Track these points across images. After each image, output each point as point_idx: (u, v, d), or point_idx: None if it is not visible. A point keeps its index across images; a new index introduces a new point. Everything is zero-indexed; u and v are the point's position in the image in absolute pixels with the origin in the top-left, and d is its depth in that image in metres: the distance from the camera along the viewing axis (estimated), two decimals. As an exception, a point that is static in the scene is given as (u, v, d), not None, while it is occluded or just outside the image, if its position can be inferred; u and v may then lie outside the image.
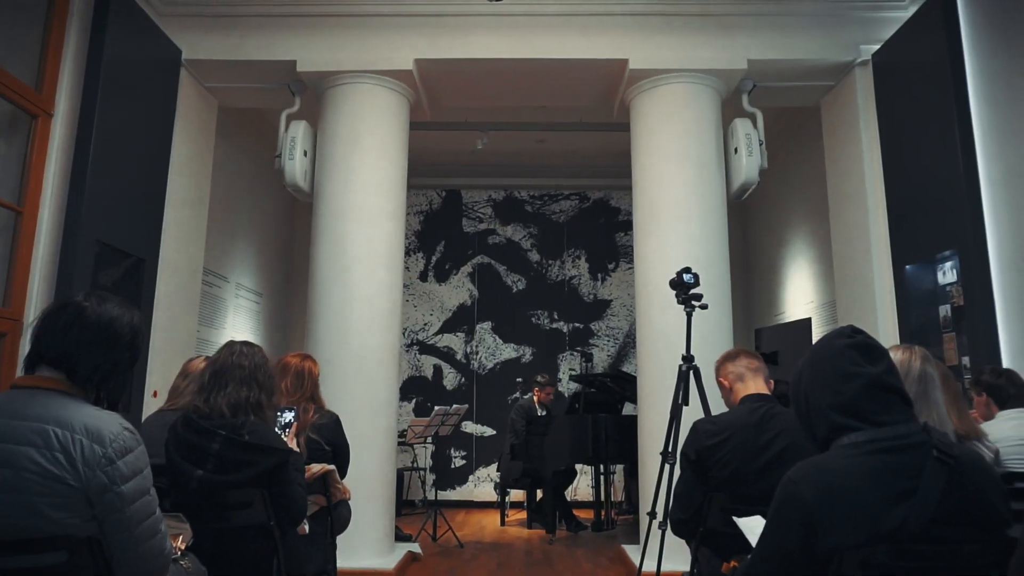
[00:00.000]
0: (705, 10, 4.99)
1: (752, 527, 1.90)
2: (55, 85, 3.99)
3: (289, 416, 2.61)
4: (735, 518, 1.85)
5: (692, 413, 3.12)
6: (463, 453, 7.96)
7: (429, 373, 8.15)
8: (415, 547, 5.16)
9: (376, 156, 5.00)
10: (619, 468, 7.25)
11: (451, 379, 8.14)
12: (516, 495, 7.16)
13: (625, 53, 4.98)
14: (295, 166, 5.01)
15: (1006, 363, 3.66)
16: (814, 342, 1.58)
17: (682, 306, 3.55)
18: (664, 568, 3.35)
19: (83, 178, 3.89)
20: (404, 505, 7.17)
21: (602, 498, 6.48)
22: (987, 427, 2.70)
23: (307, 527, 2.53)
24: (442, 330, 8.23)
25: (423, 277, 8.33)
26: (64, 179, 3.93)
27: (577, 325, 8.23)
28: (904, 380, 1.89)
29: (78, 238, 3.82)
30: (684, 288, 3.53)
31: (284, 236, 7.93)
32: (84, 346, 1.54)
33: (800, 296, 6.72)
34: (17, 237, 3.77)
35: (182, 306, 4.96)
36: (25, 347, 3.43)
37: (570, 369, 8.09)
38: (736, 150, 5.06)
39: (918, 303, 4.33)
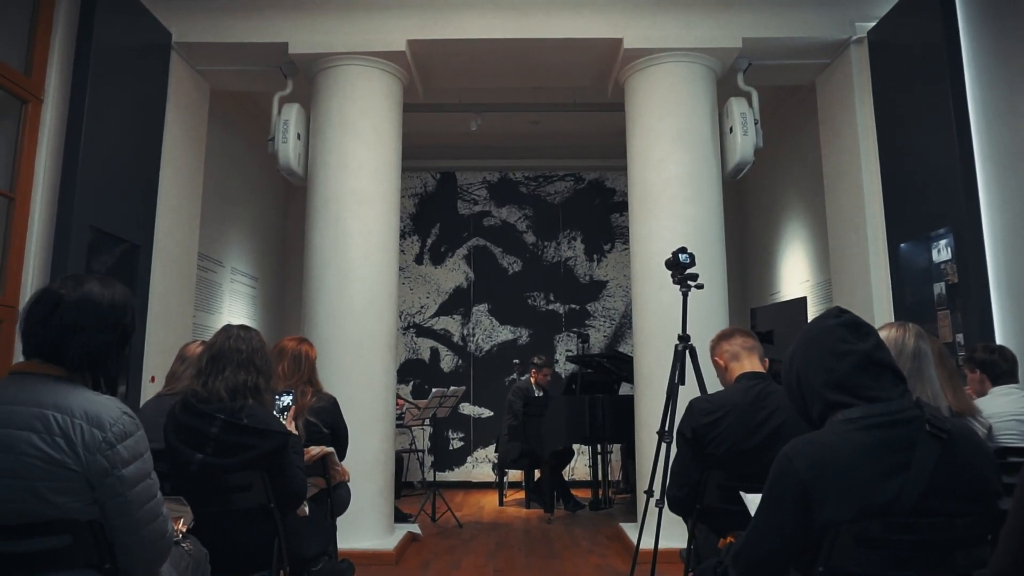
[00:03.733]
0: (700, -13, 4.96)
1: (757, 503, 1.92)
2: (44, 70, 3.94)
3: (287, 399, 2.62)
4: (743, 494, 1.87)
5: (688, 392, 3.14)
6: (461, 435, 8.00)
7: (426, 356, 8.16)
8: (415, 528, 5.20)
9: (370, 138, 4.96)
10: (616, 447, 7.31)
11: (448, 361, 8.16)
12: (514, 475, 7.21)
13: (620, 32, 4.94)
14: (289, 149, 4.98)
15: (999, 340, 3.69)
16: (809, 321, 1.59)
17: (678, 286, 3.56)
18: (661, 545, 3.39)
19: (75, 163, 3.86)
20: (403, 486, 7.22)
21: (599, 477, 6.53)
22: (981, 403, 2.73)
23: (307, 509, 2.55)
24: (439, 313, 8.24)
25: (419, 260, 8.32)
26: (56, 165, 3.90)
27: (573, 306, 8.24)
28: (898, 357, 1.92)
29: (71, 224, 3.80)
30: (680, 268, 3.54)
31: (279, 220, 7.90)
32: (67, 333, 1.52)
33: (795, 275, 6.74)
34: (10, 224, 3.75)
35: (178, 291, 4.95)
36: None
37: (567, 350, 8.11)
38: (731, 129, 5.04)
39: (912, 281, 4.35)
